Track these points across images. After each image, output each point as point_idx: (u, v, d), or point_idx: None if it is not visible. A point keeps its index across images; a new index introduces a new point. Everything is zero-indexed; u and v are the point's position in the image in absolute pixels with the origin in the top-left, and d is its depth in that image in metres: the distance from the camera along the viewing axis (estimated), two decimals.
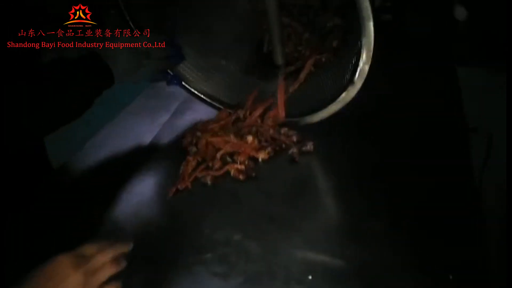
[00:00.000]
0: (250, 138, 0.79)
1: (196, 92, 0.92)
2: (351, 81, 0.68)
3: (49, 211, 0.71)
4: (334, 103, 0.73)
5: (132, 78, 0.72)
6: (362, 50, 0.62)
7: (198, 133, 0.84)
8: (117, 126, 0.95)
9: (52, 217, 0.70)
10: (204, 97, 0.93)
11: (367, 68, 0.64)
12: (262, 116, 0.84)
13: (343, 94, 0.70)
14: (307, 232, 0.62)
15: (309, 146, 0.79)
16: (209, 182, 0.74)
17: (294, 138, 0.81)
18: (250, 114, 0.85)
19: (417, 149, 0.75)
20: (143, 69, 0.72)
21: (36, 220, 0.70)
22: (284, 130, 0.82)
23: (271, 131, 0.81)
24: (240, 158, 0.76)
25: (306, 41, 0.92)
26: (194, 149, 0.81)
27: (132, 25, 0.84)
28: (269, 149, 0.78)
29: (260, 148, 0.79)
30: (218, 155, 0.78)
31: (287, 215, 0.66)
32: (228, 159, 0.78)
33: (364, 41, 0.61)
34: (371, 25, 0.59)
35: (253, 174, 0.75)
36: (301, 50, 0.91)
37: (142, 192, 0.74)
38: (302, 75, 0.85)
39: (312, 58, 0.86)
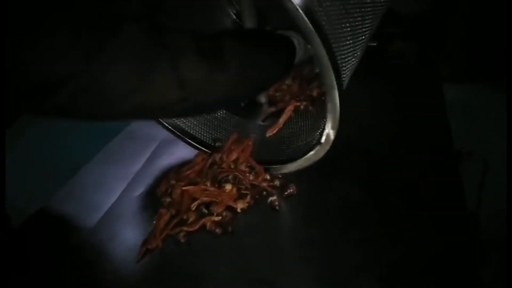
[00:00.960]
0: (228, 187, 0.76)
1: (175, 130, 0.90)
2: (318, 142, 0.66)
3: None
4: (302, 159, 0.72)
5: None
6: (327, 116, 0.60)
7: (173, 181, 0.81)
8: (84, 177, 0.89)
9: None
10: (183, 136, 0.91)
11: (333, 134, 0.63)
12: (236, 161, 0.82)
13: (312, 152, 0.70)
14: None
15: (291, 189, 0.76)
16: (182, 240, 0.71)
17: (277, 183, 0.78)
18: (227, 157, 0.83)
19: (406, 182, 0.73)
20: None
21: None
22: (266, 175, 0.79)
23: (251, 177, 0.78)
24: (217, 209, 0.74)
25: (287, 86, 0.90)
26: (168, 199, 0.78)
27: None
28: (248, 198, 0.76)
29: (239, 197, 0.76)
30: (193, 206, 0.75)
31: (269, 275, 0.63)
32: (204, 210, 0.75)
33: (329, 107, 0.59)
34: (336, 94, 0.57)
35: (230, 229, 0.71)
36: (278, 96, 0.89)
37: (110, 255, 0.71)
38: (281, 120, 0.84)
39: (291, 104, 0.84)
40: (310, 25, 0.50)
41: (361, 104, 0.92)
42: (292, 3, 0.49)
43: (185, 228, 0.72)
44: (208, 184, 0.77)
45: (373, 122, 0.90)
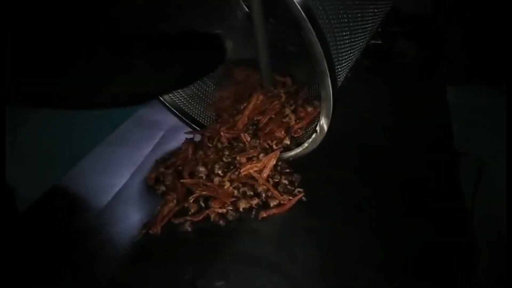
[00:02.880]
0: (227, 184, 0.76)
1: (184, 118, 0.94)
2: (314, 131, 0.68)
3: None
4: (300, 148, 0.75)
5: None
6: (321, 105, 0.63)
7: (162, 169, 0.82)
8: (93, 160, 0.91)
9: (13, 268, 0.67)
10: (191, 123, 0.94)
11: (326, 122, 0.65)
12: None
13: (309, 140, 0.72)
14: (295, 277, 0.60)
15: (295, 179, 0.76)
16: (188, 229, 0.70)
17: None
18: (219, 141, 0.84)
19: (406, 178, 0.75)
20: None
21: None
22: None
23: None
24: (215, 205, 0.73)
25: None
26: (162, 188, 0.79)
27: None
28: (256, 200, 0.74)
29: (241, 196, 0.75)
30: (191, 198, 0.75)
31: (274, 259, 0.64)
32: (202, 204, 0.75)
33: (323, 95, 0.61)
34: (328, 80, 0.59)
35: (234, 218, 0.71)
36: None
37: (116, 237, 0.72)
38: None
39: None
40: (301, 12, 0.52)
41: (363, 101, 0.93)
42: None
43: (189, 218, 0.71)
44: (203, 174, 0.78)
45: (374, 119, 0.91)
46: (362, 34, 0.68)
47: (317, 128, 0.67)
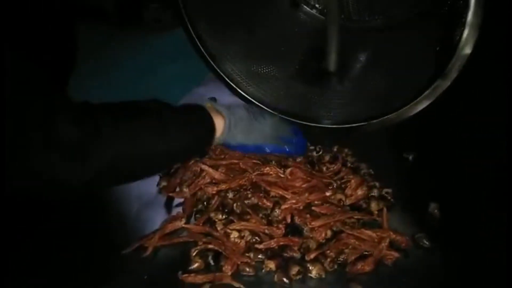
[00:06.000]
0: (234, 234, 0.62)
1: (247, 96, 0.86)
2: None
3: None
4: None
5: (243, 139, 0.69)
6: None
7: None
8: None
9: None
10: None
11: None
12: None
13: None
14: None
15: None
16: None
17: None
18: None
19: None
20: (253, 134, 0.70)
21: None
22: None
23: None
24: (227, 267, 0.58)
25: None
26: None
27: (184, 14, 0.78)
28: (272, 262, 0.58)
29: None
30: (194, 251, 0.60)
31: None
32: (211, 261, 0.59)
33: None
34: None
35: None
36: None
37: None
38: None
39: None
40: None
41: None
42: None
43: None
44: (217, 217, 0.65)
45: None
46: None
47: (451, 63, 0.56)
